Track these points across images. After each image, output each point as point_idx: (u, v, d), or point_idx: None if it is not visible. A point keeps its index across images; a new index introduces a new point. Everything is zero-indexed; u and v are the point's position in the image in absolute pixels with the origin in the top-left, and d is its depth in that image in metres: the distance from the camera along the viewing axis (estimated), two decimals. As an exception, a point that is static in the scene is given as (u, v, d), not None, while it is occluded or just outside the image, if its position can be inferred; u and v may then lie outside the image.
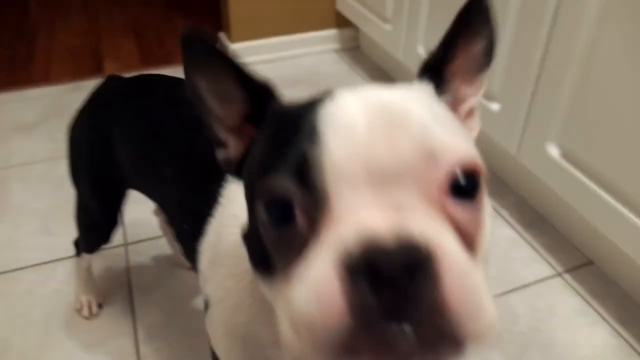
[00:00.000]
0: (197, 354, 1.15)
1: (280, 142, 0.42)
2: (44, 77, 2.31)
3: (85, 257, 1.19)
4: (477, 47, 0.52)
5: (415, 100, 0.43)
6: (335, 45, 2.46)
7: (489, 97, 1.52)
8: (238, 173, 0.54)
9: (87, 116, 0.98)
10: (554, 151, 1.33)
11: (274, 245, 0.41)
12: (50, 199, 1.57)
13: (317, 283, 0.35)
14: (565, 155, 1.31)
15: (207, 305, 0.72)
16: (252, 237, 0.48)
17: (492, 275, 1.37)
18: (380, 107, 0.40)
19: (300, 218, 0.38)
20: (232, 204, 0.68)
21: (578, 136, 1.27)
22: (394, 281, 0.33)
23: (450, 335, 0.34)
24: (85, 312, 1.24)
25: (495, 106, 1.50)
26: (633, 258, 1.20)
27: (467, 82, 0.54)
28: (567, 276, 1.39)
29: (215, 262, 0.68)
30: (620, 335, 1.24)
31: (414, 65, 1.93)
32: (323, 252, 0.36)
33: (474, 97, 0.55)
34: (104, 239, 1.11)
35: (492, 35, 0.52)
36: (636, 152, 1.13)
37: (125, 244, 1.44)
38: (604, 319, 1.28)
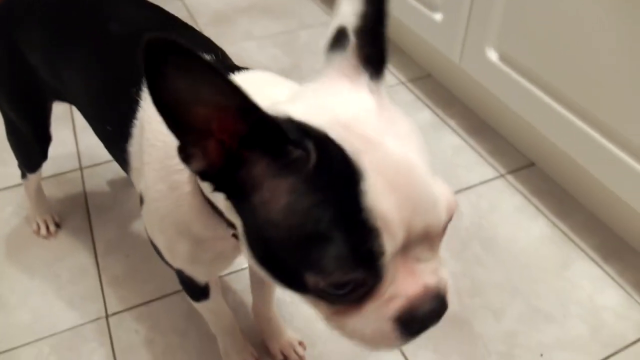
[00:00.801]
0: (153, 261, 1.19)
1: (330, 219, 0.43)
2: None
3: (31, 177, 1.20)
4: None
5: (419, 155, 0.47)
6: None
7: (431, 7, 1.54)
8: (215, 180, 0.48)
9: None
10: (493, 55, 1.37)
11: (327, 299, 0.49)
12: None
13: (379, 329, 0.49)
14: (503, 58, 1.36)
15: (141, 200, 0.74)
16: (268, 255, 0.49)
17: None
18: (406, 186, 0.45)
19: (360, 290, 0.47)
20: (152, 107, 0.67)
21: (515, 39, 1.31)
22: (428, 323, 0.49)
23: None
24: (43, 231, 1.27)
25: (437, 16, 1.52)
26: (571, 156, 1.26)
27: None
28: (509, 177, 1.46)
29: (144, 162, 0.70)
30: (557, 227, 1.32)
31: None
32: (380, 309, 0.48)
33: None
34: (41, 156, 1.12)
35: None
36: (570, 52, 1.17)
37: (81, 168, 1.46)
38: (542, 213, 1.36)
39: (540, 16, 1.21)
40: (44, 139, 1.08)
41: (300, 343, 1.07)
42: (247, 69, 0.73)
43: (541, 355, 1.07)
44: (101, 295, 1.17)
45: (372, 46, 0.50)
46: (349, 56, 0.50)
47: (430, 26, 1.55)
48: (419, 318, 0.48)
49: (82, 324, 1.11)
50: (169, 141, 0.63)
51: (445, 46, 1.52)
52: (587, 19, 1.11)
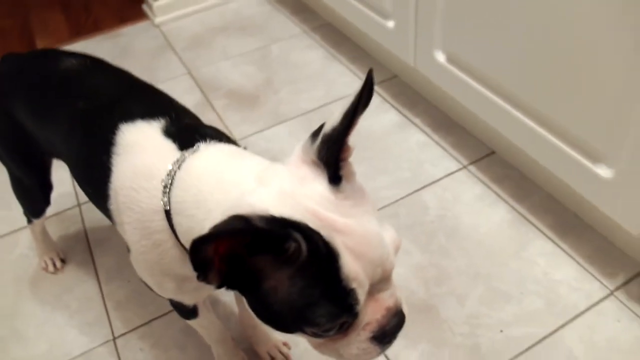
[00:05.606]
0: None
1: (319, 293, 0.59)
2: (-18, 63, 2.38)
3: (36, 222, 1.34)
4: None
5: (372, 221, 0.62)
6: (256, -14, 2.53)
7: (384, 15, 1.64)
8: (226, 284, 0.61)
9: None
10: (440, 57, 1.48)
11: (319, 337, 0.65)
12: (4, 176, 1.70)
13: (362, 348, 0.66)
14: (450, 59, 1.46)
15: (129, 249, 0.85)
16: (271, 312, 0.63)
17: (406, 176, 1.56)
18: (368, 252, 0.61)
19: (343, 326, 0.63)
20: (124, 172, 0.79)
21: (459, 40, 1.41)
22: (395, 333, 0.67)
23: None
24: (50, 268, 1.41)
25: (390, 23, 1.63)
26: (521, 147, 1.36)
27: None
28: (471, 167, 1.57)
29: (124, 221, 0.80)
30: (516, 210, 1.44)
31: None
32: (360, 334, 0.65)
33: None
34: (45, 202, 1.25)
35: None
36: (506, 47, 1.26)
37: (79, 205, 1.60)
38: (502, 199, 1.47)
39: (479, 15, 1.30)
40: (46, 188, 1.21)
41: (285, 343, 1.20)
42: (204, 127, 0.84)
43: (501, 331, 1.19)
44: (107, 320, 1.31)
45: (328, 153, 0.62)
46: (312, 150, 0.63)
47: (385, 33, 1.66)
48: (388, 332, 0.66)
49: (93, 348, 1.25)
50: (145, 207, 0.76)
51: (401, 51, 1.63)
52: (521, 11, 1.19)
